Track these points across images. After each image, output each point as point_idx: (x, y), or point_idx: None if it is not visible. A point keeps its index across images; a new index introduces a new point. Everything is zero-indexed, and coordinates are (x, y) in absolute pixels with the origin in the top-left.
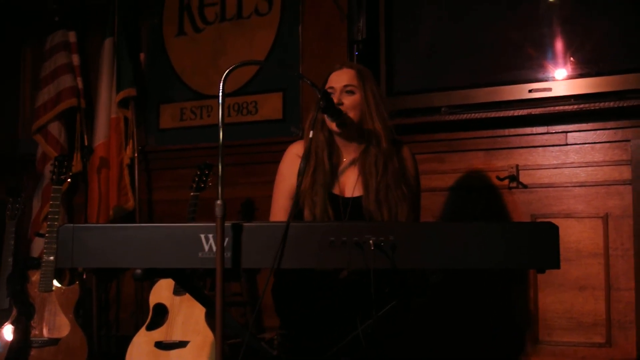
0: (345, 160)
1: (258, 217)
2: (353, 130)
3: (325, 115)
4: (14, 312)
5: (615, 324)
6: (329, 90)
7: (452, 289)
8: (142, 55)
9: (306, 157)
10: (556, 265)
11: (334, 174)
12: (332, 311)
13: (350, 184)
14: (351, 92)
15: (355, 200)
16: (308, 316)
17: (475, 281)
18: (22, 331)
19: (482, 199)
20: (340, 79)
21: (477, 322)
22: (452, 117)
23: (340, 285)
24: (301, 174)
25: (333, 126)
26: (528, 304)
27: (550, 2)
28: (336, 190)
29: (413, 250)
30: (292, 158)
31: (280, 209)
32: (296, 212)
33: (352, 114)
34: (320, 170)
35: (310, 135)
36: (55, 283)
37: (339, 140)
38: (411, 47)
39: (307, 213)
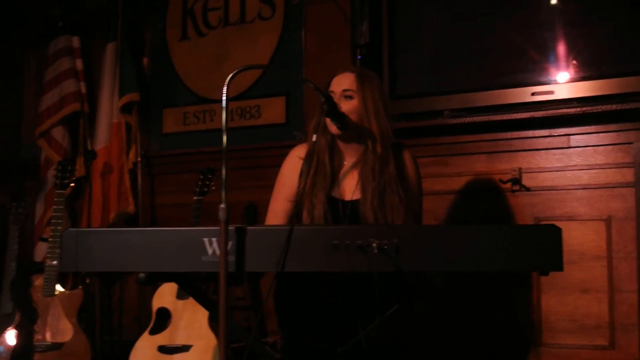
0: (347, 163)
1: (261, 221)
2: (353, 134)
3: (328, 119)
4: (17, 317)
5: (618, 326)
6: (330, 95)
7: (456, 292)
8: (145, 60)
9: (308, 160)
10: (559, 267)
11: (335, 177)
12: (334, 312)
13: (350, 188)
14: (349, 97)
15: (354, 203)
16: (310, 317)
17: (479, 284)
18: (25, 336)
19: (486, 202)
20: (340, 83)
21: (481, 325)
22: (454, 121)
23: (342, 286)
24: (303, 176)
25: (334, 129)
26: (531, 306)
27: (553, 5)
28: (336, 194)
29: (416, 253)
30: (294, 160)
31: (278, 210)
32: (295, 214)
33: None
34: (321, 173)
35: (314, 139)
36: (59, 287)
37: (340, 144)
38: (414, 51)
39: (305, 215)
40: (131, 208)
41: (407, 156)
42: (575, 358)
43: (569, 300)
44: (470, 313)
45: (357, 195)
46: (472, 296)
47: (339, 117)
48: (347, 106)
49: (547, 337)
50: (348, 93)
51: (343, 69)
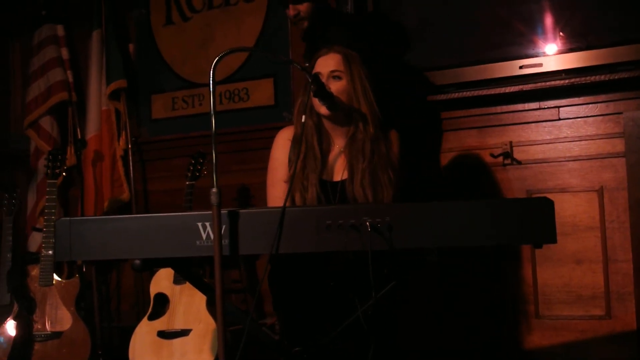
0: (335, 145)
1: (253, 204)
2: (341, 115)
3: (316, 99)
4: (15, 308)
5: (614, 295)
6: (318, 75)
7: (450, 267)
8: (131, 46)
9: (296, 143)
10: (553, 239)
11: (324, 159)
12: (330, 292)
13: (338, 169)
14: (338, 78)
15: (343, 184)
16: (306, 298)
17: (473, 259)
18: (24, 326)
19: (477, 176)
20: (326, 64)
21: (477, 300)
22: (443, 97)
23: (337, 266)
24: (293, 159)
25: (322, 109)
26: (527, 279)
27: None
28: (325, 176)
29: (410, 231)
30: (284, 143)
31: (278, 195)
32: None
33: (340, 99)
34: (310, 155)
35: (303, 120)
36: (55, 277)
37: (328, 125)
38: None
39: (298, 198)
40: (126, 195)
41: (393, 136)
42: (572, 329)
43: (564, 272)
44: (467, 288)
45: (346, 176)
46: (466, 271)
47: (327, 97)
48: (336, 86)
49: (543, 309)
50: (336, 74)
51: (327, 49)
